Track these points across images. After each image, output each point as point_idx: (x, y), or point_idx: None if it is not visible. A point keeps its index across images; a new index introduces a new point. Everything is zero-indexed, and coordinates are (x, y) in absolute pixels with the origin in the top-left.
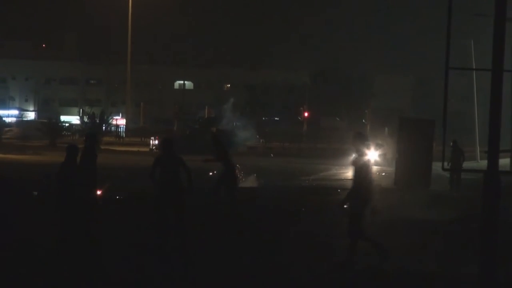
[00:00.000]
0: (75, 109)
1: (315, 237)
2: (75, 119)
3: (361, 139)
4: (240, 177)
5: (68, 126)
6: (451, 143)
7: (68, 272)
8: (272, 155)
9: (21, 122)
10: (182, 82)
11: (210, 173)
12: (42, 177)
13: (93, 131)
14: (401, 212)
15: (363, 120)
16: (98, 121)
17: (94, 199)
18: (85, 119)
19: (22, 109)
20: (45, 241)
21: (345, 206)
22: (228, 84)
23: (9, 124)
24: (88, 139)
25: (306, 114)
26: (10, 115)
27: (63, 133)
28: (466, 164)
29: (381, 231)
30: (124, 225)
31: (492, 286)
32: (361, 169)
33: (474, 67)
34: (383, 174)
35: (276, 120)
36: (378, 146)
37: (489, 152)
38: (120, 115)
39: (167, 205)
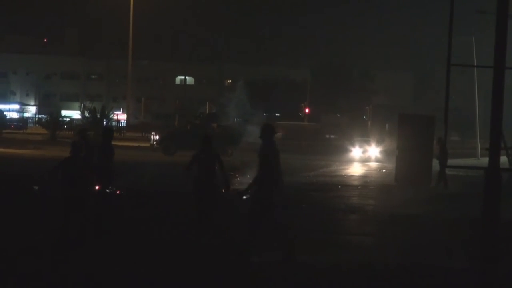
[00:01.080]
0: (76, 104)
1: (310, 233)
2: (76, 114)
3: (270, 130)
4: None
5: (69, 120)
6: (440, 140)
7: (68, 267)
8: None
9: None
10: (183, 77)
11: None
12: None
13: (110, 125)
14: (401, 208)
15: (364, 117)
16: (99, 116)
17: (108, 194)
18: (86, 114)
19: (23, 104)
20: (45, 237)
21: (244, 197)
22: (229, 80)
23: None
24: (105, 133)
25: (307, 111)
26: (11, 109)
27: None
28: (467, 161)
29: (382, 226)
30: (128, 219)
31: (492, 280)
32: (266, 159)
33: (475, 64)
34: (384, 171)
35: (277, 116)
36: (379, 142)
37: (490, 149)
38: (121, 110)
39: (201, 199)
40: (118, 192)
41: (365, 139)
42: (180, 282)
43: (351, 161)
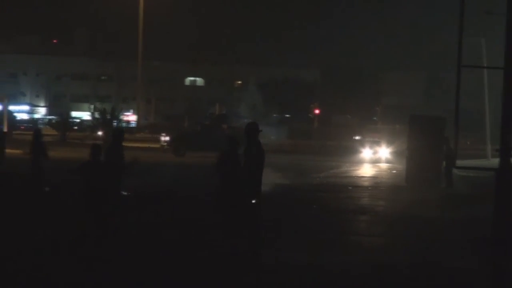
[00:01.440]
0: (86, 105)
1: (321, 234)
2: (86, 115)
3: (253, 130)
4: None
5: (79, 122)
6: (446, 140)
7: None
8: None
9: None
10: (193, 78)
11: None
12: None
13: (121, 126)
14: (412, 209)
15: (374, 118)
16: (109, 117)
17: (119, 194)
18: (96, 115)
19: (33, 105)
20: (59, 236)
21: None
22: (239, 81)
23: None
24: (116, 134)
25: (317, 111)
26: (21, 110)
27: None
28: (477, 162)
29: (392, 227)
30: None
31: (502, 281)
32: (253, 161)
33: (485, 65)
34: (394, 171)
35: (287, 117)
36: (389, 143)
37: (500, 150)
38: (131, 111)
39: (229, 203)
40: (126, 193)
41: (375, 140)
42: (184, 283)
43: (361, 162)
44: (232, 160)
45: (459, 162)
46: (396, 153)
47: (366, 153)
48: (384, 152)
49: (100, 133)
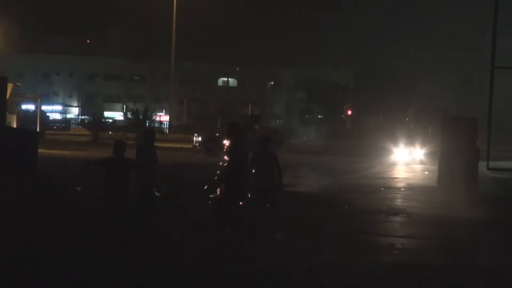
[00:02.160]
0: (119, 105)
1: (353, 234)
2: (118, 115)
3: (235, 129)
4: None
5: (111, 122)
6: None
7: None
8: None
9: None
10: (225, 79)
11: None
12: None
13: (151, 127)
14: (443, 210)
15: (406, 119)
16: (141, 117)
17: (151, 195)
18: (129, 115)
19: (66, 105)
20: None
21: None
22: (271, 82)
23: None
24: (147, 135)
25: (349, 112)
26: (54, 110)
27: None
28: (510, 164)
29: (424, 228)
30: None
31: None
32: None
33: None
34: (426, 173)
35: (320, 118)
36: (423, 144)
37: None
38: (164, 111)
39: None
40: (158, 194)
41: (408, 141)
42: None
43: (394, 163)
44: (263, 158)
45: (491, 164)
46: (429, 154)
47: (399, 154)
48: (418, 153)
49: (132, 133)
